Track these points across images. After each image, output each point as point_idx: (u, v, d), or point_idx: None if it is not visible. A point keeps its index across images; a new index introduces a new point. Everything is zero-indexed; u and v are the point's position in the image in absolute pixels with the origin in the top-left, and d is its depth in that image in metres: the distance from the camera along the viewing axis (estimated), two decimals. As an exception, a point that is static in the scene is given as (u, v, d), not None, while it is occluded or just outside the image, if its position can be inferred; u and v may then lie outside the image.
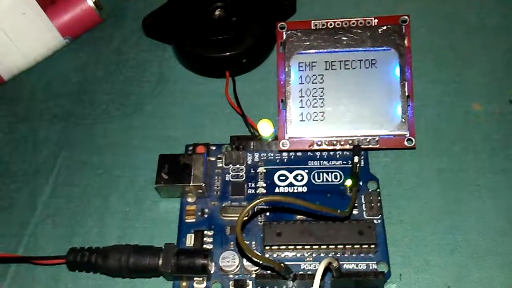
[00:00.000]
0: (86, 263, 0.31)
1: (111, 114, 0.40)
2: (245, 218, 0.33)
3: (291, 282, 0.30)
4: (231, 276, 0.31)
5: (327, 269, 0.28)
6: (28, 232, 0.35)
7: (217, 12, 0.41)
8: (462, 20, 0.42)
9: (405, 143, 0.34)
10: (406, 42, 0.35)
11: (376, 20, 0.36)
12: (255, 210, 0.33)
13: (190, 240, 0.33)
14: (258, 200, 0.26)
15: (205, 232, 0.33)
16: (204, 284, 0.31)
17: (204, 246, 0.32)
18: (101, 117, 0.40)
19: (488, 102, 0.37)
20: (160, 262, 0.31)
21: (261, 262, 0.30)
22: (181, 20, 0.41)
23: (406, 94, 0.35)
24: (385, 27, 0.35)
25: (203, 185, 0.33)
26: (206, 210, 0.34)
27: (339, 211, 0.29)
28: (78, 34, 0.43)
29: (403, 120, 0.34)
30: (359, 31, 0.36)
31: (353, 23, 0.36)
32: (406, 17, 0.35)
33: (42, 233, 0.35)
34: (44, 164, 0.38)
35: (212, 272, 0.31)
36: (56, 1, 0.42)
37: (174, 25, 0.41)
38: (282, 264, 0.28)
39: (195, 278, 0.31)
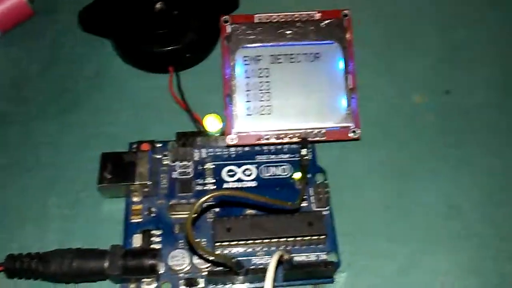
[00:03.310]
0: (26, 269, 0.30)
1: (47, 111, 0.38)
2: (195, 215, 0.32)
3: (243, 277, 0.30)
4: (181, 275, 0.31)
5: (278, 262, 0.28)
6: (-41, 240, 0.32)
7: (158, 5, 0.39)
8: (402, 14, 0.43)
9: (350, 134, 0.35)
10: (348, 35, 0.36)
11: (319, 14, 0.36)
12: (204, 206, 0.33)
13: (137, 241, 0.32)
14: (208, 196, 0.25)
15: (153, 231, 0.32)
16: (154, 285, 0.30)
17: (152, 246, 0.32)
18: (37, 115, 0.38)
19: (427, 93, 0.39)
20: (106, 264, 0.29)
21: (211, 258, 0.30)
22: (120, 13, 0.39)
23: (350, 86, 0.35)
24: (327, 21, 0.36)
25: (149, 183, 0.32)
26: (153, 209, 0.33)
27: (290, 203, 0.29)
28: (8, 27, 0.41)
29: (348, 112, 0.35)
30: (302, 25, 0.36)
31: (296, 17, 0.36)
32: (347, 11, 0.36)
33: (-25, 241, 0.32)
34: (-26, 166, 0.35)
35: (161, 272, 0.31)
36: (-17, -8, 0.39)
37: (112, 19, 0.39)
38: (233, 259, 0.28)
39: (144, 280, 0.30)
